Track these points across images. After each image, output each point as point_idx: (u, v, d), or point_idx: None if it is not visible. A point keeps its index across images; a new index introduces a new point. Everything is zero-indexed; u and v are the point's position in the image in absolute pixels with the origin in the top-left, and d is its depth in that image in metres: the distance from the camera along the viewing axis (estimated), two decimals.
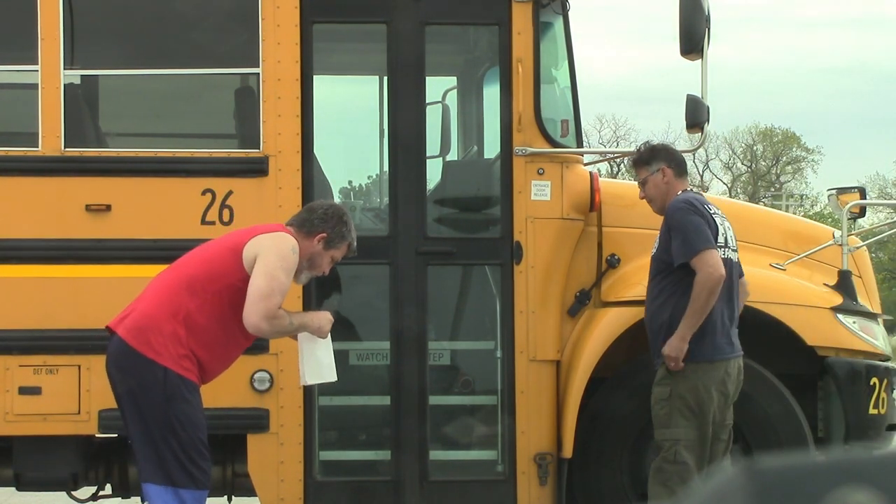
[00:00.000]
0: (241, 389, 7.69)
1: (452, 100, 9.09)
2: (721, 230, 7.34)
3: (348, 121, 9.23)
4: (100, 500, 8.24)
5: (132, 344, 6.35)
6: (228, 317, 6.45)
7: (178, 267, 6.66)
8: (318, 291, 7.86)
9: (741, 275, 7.53)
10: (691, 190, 7.61)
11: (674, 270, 7.28)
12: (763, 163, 69.98)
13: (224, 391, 7.42)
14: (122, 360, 6.42)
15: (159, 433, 6.30)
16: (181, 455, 6.31)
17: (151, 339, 6.32)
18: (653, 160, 7.53)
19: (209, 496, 6.63)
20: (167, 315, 6.37)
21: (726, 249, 7.35)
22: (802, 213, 59.11)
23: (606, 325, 7.86)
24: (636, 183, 7.70)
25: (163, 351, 6.31)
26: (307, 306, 7.65)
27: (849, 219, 8.47)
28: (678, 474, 7.22)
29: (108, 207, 7.75)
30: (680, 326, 7.19)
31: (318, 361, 6.70)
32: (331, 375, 6.79)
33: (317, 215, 6.68)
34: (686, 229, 7.23)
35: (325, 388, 7.40)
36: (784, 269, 8.27)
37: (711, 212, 7.37)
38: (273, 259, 6.41)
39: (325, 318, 6.70)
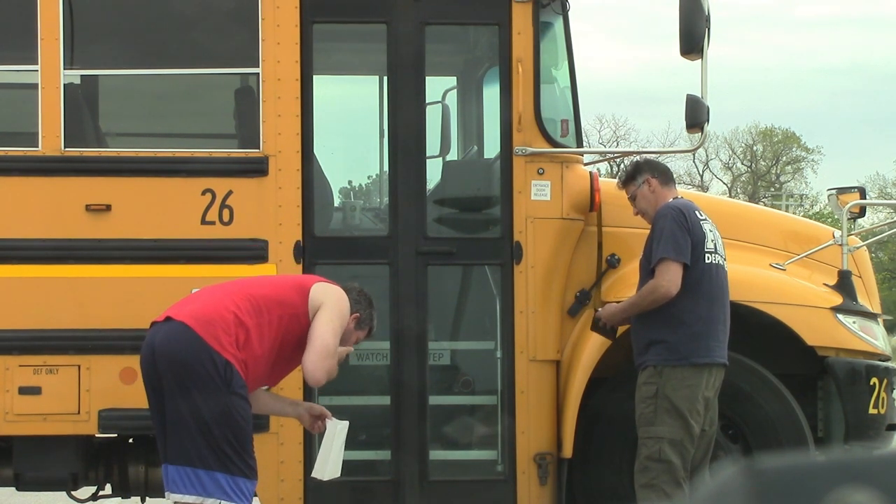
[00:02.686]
0: None
1: (452, 100, 9.09)
2: (710, 236, 7.45)
3: (348, 121, 9.23)
4: (100, 500, 8.24)
5: (200, 333, 6.28)
6: (276, 349, 6.46)
7: (240, 283, 6.68)
8: None
9: None
10: (681, 198, 7.64)
11: None
12: (763, 163, 69.99)
13: None
14: (184, 347, 6.29)
15: (215, 423, 6.26)
16: (237, 446, 6.30)
17: (220, 334, 6.30)
18: (637, 174, 7.64)
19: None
20: (233, 321, 6.36)
21: (715, 255, 7.42)
22: (802, 213, 59.10)
23: None
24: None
25: (228, 348, 6.30)
26: None
27: (849, 219, 8.47)
28: (664, 472, 7.24)
29: (108, 207, 7.74)
30: (620, 306, 7.48)
31: (336, 456, 6.69)
32: (338, 471, 6.76)
33: (352, 297, 6.67)
34: (663, 234, 7.34)
35: (326, 388, 7.37)
36: (784, 269, 8.27)
37: (701, 219, 7.43)
38: (337, 316, 6.47)
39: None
